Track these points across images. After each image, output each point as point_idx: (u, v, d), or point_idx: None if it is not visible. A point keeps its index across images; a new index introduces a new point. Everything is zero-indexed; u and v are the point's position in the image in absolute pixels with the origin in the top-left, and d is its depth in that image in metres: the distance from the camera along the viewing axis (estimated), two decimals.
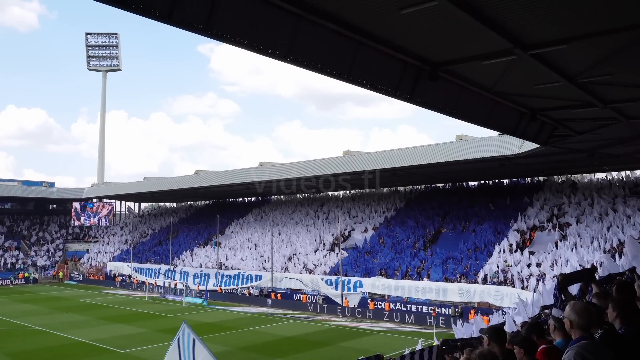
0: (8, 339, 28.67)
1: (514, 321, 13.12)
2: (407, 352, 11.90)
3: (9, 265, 63.46)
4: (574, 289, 7.99)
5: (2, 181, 70.33)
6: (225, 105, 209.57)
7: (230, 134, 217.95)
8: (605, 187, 36.74)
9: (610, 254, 28.33)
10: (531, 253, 33.22)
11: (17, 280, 60.37)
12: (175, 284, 49.85)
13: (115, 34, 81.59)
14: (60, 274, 64.17)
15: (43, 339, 28.76)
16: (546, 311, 10.57)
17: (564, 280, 6.57)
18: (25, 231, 71.01)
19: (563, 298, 6.50)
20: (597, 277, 7.36)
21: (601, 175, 38.20)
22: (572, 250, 31.04)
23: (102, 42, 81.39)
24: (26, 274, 62.00)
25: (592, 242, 30.95)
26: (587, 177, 38.96)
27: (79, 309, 39.92)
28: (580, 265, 27.64)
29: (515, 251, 34.16)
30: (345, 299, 37.94)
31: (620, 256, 21.87)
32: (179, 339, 8.55)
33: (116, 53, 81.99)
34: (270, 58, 9.31)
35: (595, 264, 15.18)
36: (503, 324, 12.24)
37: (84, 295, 49.82)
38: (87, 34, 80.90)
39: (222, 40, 8.46)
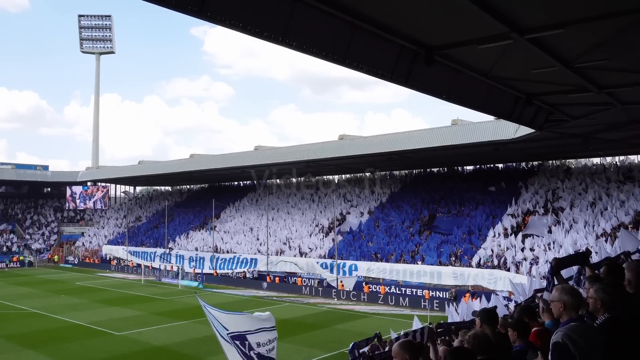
0: (4, 321, 28.79)
1: (506, 305, 13.27)
2: (401, 333, 12.02)
3: (4, 248, 63.48)
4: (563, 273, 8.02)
5: None
6: (219, 89, 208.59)
7: (224, 117, 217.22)
8: (599, 172, 36.90)
9: (603, 238, 28.59)
10: (525, 237, 33.46)
11: (12, 263, 60.45)
12: (171, 267, 50.05)
13: (109, 16, 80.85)
14: (56, 257, 64.28)
15: (39, 321, 28.89)
16: (539, 294, 10.68)
17: (557, 265, 6.62)
18: (20, 214, 70.89)
19: (556, 282, 6.55)
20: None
21: (596, 160, 38.36)
22: (565, 234, 31.27)
23: (95, 24, 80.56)
24: (21, 257, 62.08)
25: (585, 227, 31.17)
26: (582, 162, 39.11)
27: (74, 292, 40.07)
28: (573, 249, 27.86)
29: (510, 235, 34.40)
30: (341, 282, 38.20)
31: (613, 241, 22.05)
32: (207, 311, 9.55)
33: (110, 35, 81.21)
34: (266, 41, 9.24)
35: (589, 248, 15.31)
36: (495, 307, 12.36)
37: (80, 278, 49.96)
38: (80, 15, 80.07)
39: (217, 22, 8.37)
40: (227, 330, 8.84)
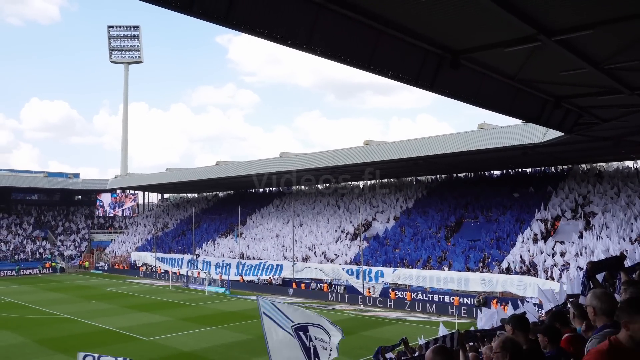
0: (37, 326, 29.44)
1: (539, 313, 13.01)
2: (424, 341, 11.87)
3: (37, 254, 64.99)
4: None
5: (28, 173, 71.99)
6: (244, 96, 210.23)
7: (250, 124, 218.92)
8: (632, 175, 36.00)
9: (637, 243, 27.87)
10: (555, 243, 32.80)
11: (44, 269, 61.83)
12: (198, 274, 50.53)
13: (137, 26, 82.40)
14: (86, 263, 65.49)
15: (70, 326, 29.46)
16: (571, 300, 10.45)
17: (592, 268, 6.46)
18: (52, 221, 72.55)
19: (591, 286, 6.42)
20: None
21: (628, 164, 37.44)
22: (597, 240, 30.56)
23: (124, 34, 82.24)
24: (53, 264, 63.44)
25: (617, 232, 30.41)
26: (613, 165, 38.21)
27: (104, 298, 40.76)
28: (605, 255, 27.22)
29: (539, 241, 33.77)
30: (367, 288, 38.00)
31: None
32: (264, 314, 9.02)
33: (138, 45, 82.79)
34: (290, 48, 9.30)
35: (624, 253, 14.92)
36: (524, 313, 12.15)
37: (110, 284, 50.82)
38: (109, 26, 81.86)
39: (243, 30, 8.46)
40: (292, 322, 8.78)
